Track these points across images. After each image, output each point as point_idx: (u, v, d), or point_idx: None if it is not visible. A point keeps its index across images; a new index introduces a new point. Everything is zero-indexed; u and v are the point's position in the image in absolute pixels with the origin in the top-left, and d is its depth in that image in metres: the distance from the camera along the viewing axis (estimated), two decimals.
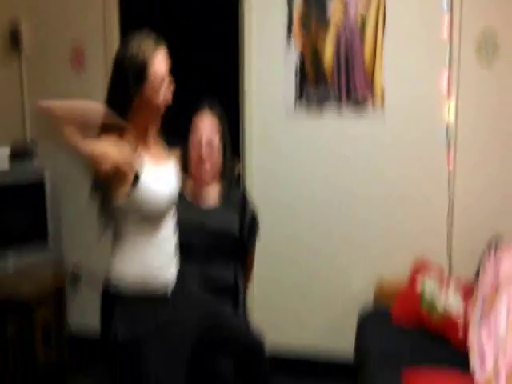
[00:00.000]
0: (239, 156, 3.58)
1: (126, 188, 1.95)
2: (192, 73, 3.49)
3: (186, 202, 2.54)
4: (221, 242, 2.57)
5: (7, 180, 3.46)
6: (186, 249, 2.37)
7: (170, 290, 2.13)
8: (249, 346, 2.40)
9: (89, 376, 3.54)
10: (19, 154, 3.55)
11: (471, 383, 2.30)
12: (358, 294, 3.45)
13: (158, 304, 2.08)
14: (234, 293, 2.62)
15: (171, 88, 2.06)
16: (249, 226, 2.69)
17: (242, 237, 2.65)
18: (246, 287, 2.87)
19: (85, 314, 3.64)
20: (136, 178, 1.96)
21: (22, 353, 3.24)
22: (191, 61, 3.67)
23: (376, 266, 3.45)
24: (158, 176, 2.07)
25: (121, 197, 1.96)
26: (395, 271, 3.33)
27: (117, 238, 2.10)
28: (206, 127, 2.58)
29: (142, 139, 2.07)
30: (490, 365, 2.38)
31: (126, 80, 1.96)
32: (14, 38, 3.83)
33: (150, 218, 2.08)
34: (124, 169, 1.91)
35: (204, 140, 2.56)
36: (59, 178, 3.62)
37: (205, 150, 2.55)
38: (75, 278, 3.77)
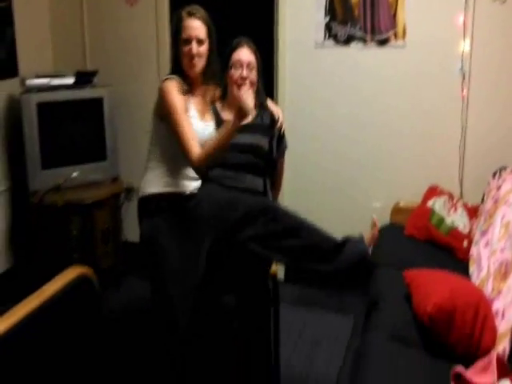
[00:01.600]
0: (271, 88, 3.86)
1: None
2: (228, 15, 3.77)
3: (222, 122, 2.87)
4: (252, 156, 2.91)
5: (72, 98, 3.89)
6: (221, 162, 2.83)
7: (191, 200, 2.66)
8: (260, 208, 2.67)
9: (139, 277, 3.85)
10: (81, 80, 3.94)
11: (467, 281, 2.61)
12: (378, 213, 3.66)
13: (180, 208, 2.59)
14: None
15: (203, 48, 2.66)
16: (277, 141, 3.03)
17: (271, 151, 2.99)
18: (275, 197, 3.23)
19: (137, 224, 4.21)
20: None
21: (85, 252, 3.73)
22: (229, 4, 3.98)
23: (394, 190, 3.75)
24: (200, 124, 2.69)
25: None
26: (411, 196, 3.62)
27: (151, 154, 2.70)
28: (245, 52, 2.91)
29: (192, 89, 2.71)
30: (484, 269, 2.68)
31: (170, 37, 2.75)
32: None
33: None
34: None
35: (245, 61, 2.88)
36: (116, 103, 4.01)
37: (246, 70, 2.88)
38: (129, 193, 4.20)
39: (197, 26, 2.63)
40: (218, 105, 3.00)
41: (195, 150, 2.49)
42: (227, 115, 2.96)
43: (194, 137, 2.54)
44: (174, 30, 2.69)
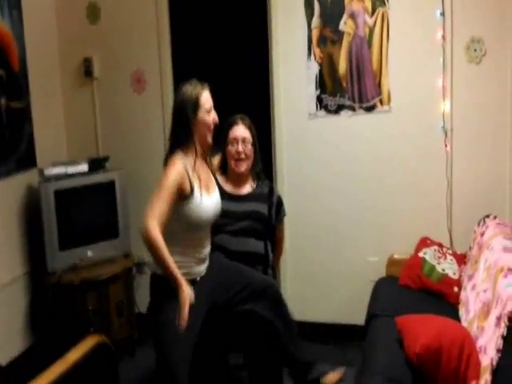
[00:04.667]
0: (270, 157, 4.10)
1: (181, 200, 2.71)
2: (226, 88, 3.94)
3: (225, 194, 3.17)
4: (253, 221, 3.17)
5: (86, 183, 4.14)
6: (224, 229, 3.10)
7: (199, 278, 2.84)
8: (262, 286, 2.94)
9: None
10: (94, 166, 4.23)
11: (453, 322, 2.75)
12: (373, 267, 3.90)
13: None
14: (265, 262, 3.21)
15: (215, 114, 2.87)
16: (276, 207, 3.30)
17: (270, 217, 3.25)
18: (277, 260, 3.49)
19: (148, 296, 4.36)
20: (191, 193, 2.72)
21: (100, 325, 3.87)
22: (226, 77, 4.23)
23: (388, 244, 3.88)
24: (206, 200, 2.80)
25: (177, 205, 2.70)
26: (404, 249, 3.75)
27: (167, 234, 2.73)
28: (240, 129, 3.22)
29: (199, 159, 2.85)
30: (471, 311, 2.82)
31: (185, 112, 2.78)
32: (87, 68, 4.50)
33: (193, 226, 2.78)
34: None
35: (239, 137, 3.19)
36: (127, 185, 4.24)
37: (241, 145, 3.18)
38: (140, 267, 4.39)
39: (208, 100, 2.85)
40: (219, 177, 3.27)
41: (152, 222, 2.60)
42: (229, 187, 3.23)
43: (161, 214, 2.63)
44: (191, 102, 2.78)
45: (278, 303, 2.96)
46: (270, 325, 2.93)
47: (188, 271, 2.77)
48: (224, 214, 3.06)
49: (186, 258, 2.79)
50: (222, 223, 3.08)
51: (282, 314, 2.96)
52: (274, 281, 3.13)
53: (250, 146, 3.22)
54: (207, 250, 2.92)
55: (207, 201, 2.81)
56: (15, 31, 4.13)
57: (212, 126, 2.84)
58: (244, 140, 3.20)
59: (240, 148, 3.18)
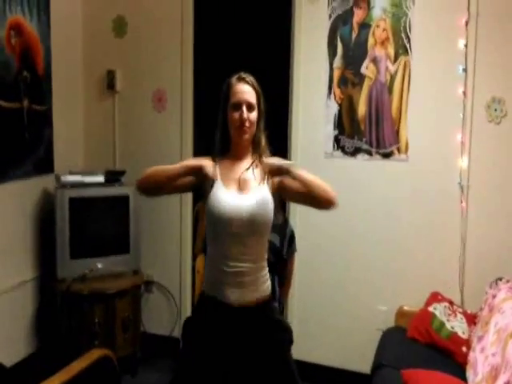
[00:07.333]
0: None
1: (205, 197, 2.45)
2: None
3: None
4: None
5: (101, 195, 4.22)
6: None
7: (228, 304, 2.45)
8: None
9: (155, 368, 4.24)
10: (110, 178, 4.28)
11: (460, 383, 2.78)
12: (382, 316, 3.89)
13: (221, 315, 2.48)
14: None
15: (252, 114, 2.46)
16: (288, 241, 3.31)
17: (281, 249, 3.26)
18: (285, 294, 3.50)
19: (155, 315, 4.41)
20: (212, 184, 2.44)
21: (105, 339, 3.93)
22: None
23: (398, 295, 3.88)
24: (227, 193, 2.43)
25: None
26: (414, 301, 3.75)
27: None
28: None
29: (234, 160, 2.52)
30: (479, 374, 2.84)
31: (220, 105, 2.53)
32: (110, 81, 4.55)
33: (212, 223, 2.45)
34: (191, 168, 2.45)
35: None
36: (141, 202, 4.22)
37: None
38: (149, 285, 4.43)
39: (246, 90, 2.47)
40: None
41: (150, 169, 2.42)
42: None
43: (163, 167, 2.41)
44: (223, 97, 2.50)
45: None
46: None
47: (217, 289, 2.46)
48: None
49: (212, 268, 2.51)
50: None
51: None
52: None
53: None
54: (235, 264, 2.44)
55: (228, 194, 2.43)
56: (42, 35, 4.21)
57: (237, 124, 2.44)
58: None
59: None
